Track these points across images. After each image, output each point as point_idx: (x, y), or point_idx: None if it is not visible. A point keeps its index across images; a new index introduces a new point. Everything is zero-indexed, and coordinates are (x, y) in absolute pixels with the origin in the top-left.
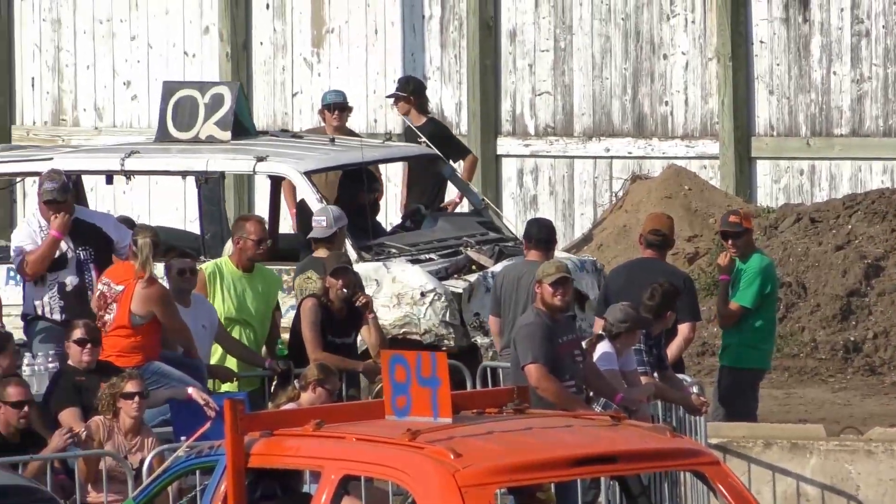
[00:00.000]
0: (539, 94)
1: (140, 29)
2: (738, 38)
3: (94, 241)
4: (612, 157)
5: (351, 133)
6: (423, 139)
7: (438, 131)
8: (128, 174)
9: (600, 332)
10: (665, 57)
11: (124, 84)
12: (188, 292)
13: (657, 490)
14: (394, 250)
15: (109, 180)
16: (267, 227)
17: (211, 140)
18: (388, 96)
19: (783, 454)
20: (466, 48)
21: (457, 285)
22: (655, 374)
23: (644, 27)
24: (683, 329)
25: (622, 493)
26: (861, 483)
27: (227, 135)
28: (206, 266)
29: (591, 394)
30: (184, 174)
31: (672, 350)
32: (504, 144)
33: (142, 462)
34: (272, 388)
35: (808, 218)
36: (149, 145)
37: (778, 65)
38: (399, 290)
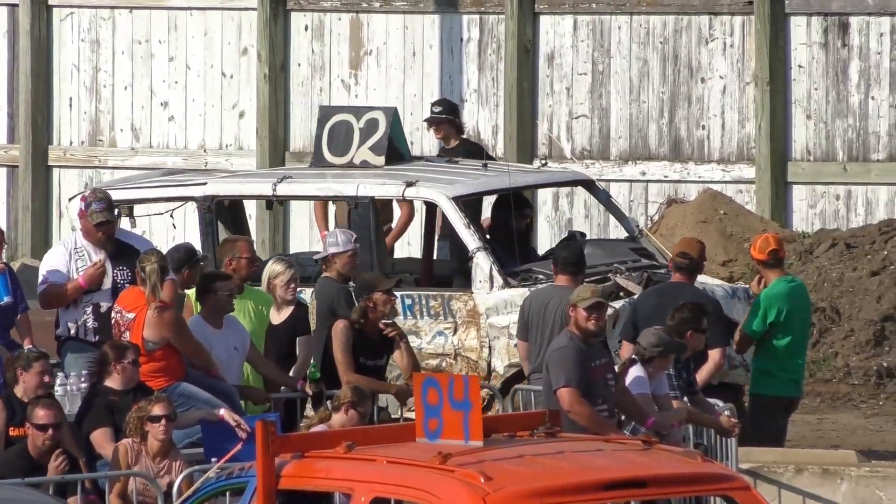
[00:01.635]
0: (576, 118)
1: (178, 50)
2: (776, 63)
3: (129, 264)
4: (647, 181)
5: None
6: (458, 159)
7: (475, 152)
8: (279, 199)
9: (632, 356)
10: (703, 81)
11: (161, 105)
12: (222, 314)
13: None
14: (541, 276)
15: (269, 205)
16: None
17: (365, 165)
18: (427, 120)
19: (814, 480)
20: (504, 71)
21: None
22: (686, 399)
23: (682, 51)
24: (714, 354)
25: None
26: None
27: (381, 160)
28: (190, 292)
29: (623, 418)
30: (334, 199)
31: (702, 375)
32: None
33: (170, 485)
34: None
35: (843, 243)
36: (301, 170)
37: (816, 89)
38: None
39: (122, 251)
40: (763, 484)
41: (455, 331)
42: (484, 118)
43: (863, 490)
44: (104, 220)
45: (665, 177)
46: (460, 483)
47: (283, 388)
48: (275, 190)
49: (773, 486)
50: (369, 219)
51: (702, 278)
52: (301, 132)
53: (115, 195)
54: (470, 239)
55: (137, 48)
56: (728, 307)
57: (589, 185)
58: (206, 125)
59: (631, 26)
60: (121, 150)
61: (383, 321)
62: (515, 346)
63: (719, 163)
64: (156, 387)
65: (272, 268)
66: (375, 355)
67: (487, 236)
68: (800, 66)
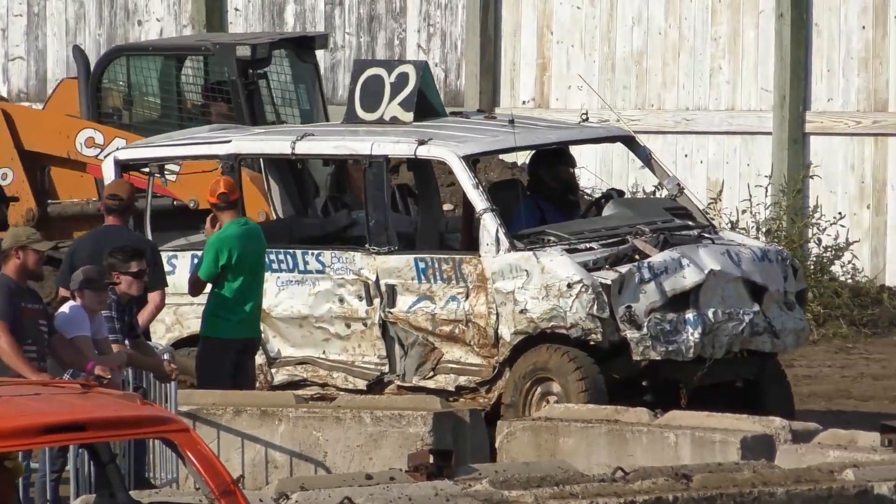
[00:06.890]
0: (12, 60)
1: None
2: (212, 5)
3: None
4: None
5: None
6: None
7: None
8: (298, 158)
9: (62, 296)
10: (140, 23)
11: None
12: None
13: (128, 457)
14: (552, 239)
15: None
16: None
17: (395, 121)
18: None
19: (252, 421)
20: None
21: (607, 277)
22: (127, 342)
23: None
24: (154, 297)
25: (91, 461)
26: (329, 450)
27: (410, 116)
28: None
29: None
30: (349, 158)
31: (144, 318)
32: None
33: None
34: None
35: None
36: (323, 127)
37: (252, 31)
38: (547, 282)
39: None
40: (202, 426)
41: (467, 296)
42: None
43: (300, 431)
44: None
45: None
46: None
47: None
48: (293, 148)
49: (213, 428)
50: (383, 178)
51: (738, 238)
52: None
53: (143, 153)
54: (478, 199)
55: None
56: (759, 270)
57: (628, 141)
58: None
59: None
60: None
61: None
62: (521, 312)
63: None
64: None
65: None
66: None
67: (528, 192)
68: (236, 10)
